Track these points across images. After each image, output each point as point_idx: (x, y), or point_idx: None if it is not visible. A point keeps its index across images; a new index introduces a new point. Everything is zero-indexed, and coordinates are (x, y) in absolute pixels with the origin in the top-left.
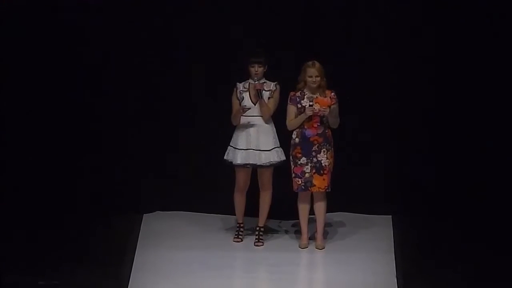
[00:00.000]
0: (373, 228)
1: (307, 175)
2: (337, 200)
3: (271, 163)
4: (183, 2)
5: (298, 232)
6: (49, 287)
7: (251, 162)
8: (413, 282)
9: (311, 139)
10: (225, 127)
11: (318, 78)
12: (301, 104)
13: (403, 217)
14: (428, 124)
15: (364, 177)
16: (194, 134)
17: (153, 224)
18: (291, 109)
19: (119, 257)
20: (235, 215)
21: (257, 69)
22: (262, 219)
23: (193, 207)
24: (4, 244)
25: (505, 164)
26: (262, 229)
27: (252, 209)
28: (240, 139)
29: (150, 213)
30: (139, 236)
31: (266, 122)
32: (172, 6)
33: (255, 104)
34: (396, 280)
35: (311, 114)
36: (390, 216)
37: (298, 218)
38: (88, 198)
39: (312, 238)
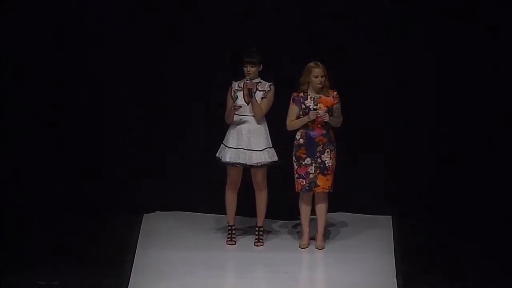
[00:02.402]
0: (373, 228)
1: (311, 175)
2: (338, 200)
3: (262, 163)
4: (184, 2)
5: (297, 232)
6: (49, 287)
7: (240, 162)
8: (413, 282)
9: (316, 140)
10: (225, 127)
11: (323, 78)
12: (305, 104)
13: (403, 218)
14: (428, 124)
15: (364, 177)
16: (194, 134)
17: (153, 224)
18: (293, 110)
19: (119, 257)
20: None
21: (249, 69)
22: (260, 219)
23: (193, 207)
24: (4, 244)
25: (505, 165)
26: (261, 229)
27: (251, 209)
28: (231, 137)
29: (150, 213)
30: (139, 236)
31: (258, 122)
32: (172, 6)
33: (248, 104)
34: (396, 280)
35: (315, 118)
36: (390, 216)
37: (298, 219)
38: (88, 198)
39: (312, 238)
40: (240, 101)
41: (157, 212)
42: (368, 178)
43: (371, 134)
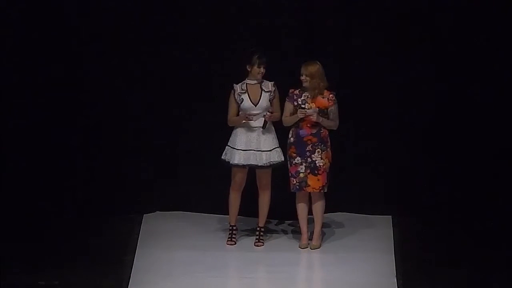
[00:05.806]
0: (373, 228)
1: (301, 175)
2: (337, 200)
3: (271, 163)
4: (184, 2)
5: (297, 232)
6: (49, 287)
7: (251, 163)
8: (413, 282)
9: (304, 139)
10: (225, 127)
11: (308, 78)
12: (297, 102)
13: (403, 217)
14: (428, 124)
15: (364, 177)
16: (194, 134)
17: (153, 224)
18: (288, 106)
19: (119, 257)
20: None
21: (262, 69)
22: (262, 220)
23: (192, 207)
24: (4, 244)
25: (505, 165)
26: (262, 230)
27: (251, 209)
28: (240, 139)
29: (150, 213)
30: (139, 236)
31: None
32: (172, 6)
33: (255, 106)
34: (396, 280)
35: (303, 116)
36: (390, 216)
37: (297, 218)
38: (88, 198)
39: (312, 238)
40: (247, 103)
41: (157, 212)
42: (368, 178)
43: (371, 134)
